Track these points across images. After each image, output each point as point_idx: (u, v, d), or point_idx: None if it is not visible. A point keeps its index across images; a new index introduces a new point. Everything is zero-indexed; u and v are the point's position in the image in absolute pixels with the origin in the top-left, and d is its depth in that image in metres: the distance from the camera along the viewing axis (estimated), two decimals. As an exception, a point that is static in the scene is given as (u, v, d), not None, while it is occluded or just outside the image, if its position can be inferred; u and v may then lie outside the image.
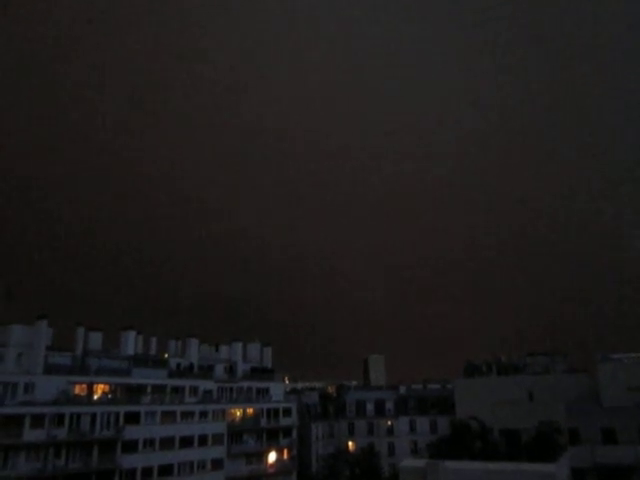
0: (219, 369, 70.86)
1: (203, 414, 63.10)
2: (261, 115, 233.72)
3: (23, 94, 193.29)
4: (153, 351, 68.06)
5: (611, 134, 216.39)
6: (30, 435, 47.21)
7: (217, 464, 62.44)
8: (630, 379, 47.54)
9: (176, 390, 62.24)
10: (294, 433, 72.51)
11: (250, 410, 69.32)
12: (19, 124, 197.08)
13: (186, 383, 63.70)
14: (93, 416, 52.30)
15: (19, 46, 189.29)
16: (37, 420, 48.03)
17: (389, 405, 78.72)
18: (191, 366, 67.48)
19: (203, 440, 61.65)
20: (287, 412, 72.67)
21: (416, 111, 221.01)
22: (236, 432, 66.37)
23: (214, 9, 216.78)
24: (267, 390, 73.15)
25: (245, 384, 71.03)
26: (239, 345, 74.85)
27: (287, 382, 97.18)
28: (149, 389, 59.49)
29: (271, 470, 68.34)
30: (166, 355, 69.62)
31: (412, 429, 75.86)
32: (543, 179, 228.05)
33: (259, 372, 75.70)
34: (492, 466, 35.91)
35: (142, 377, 59.84)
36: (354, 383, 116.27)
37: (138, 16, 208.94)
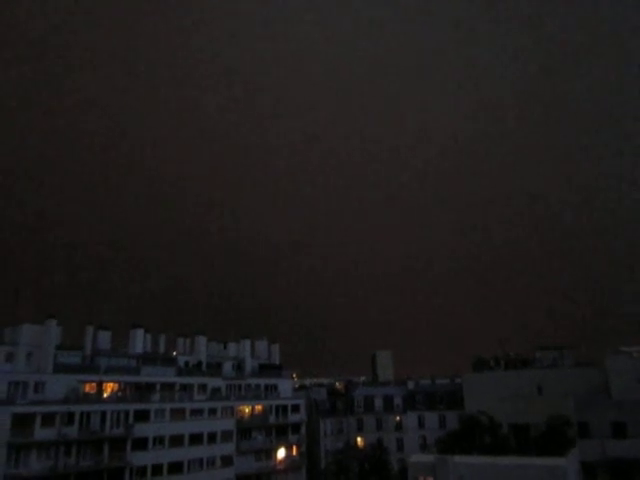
0: (227, 366, 71.07)
1: (212, 411, 63.35)
2: (264, 115, 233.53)
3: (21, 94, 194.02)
4: (162, 349, 68.29)
5: (614, 133, 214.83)
6: (41, 434, 47.56)
7: (226, 461, 62.73)
8: (640, 372, 47.18)
9: (185, 388, 62.48)
10: (303, 429, 72.66)
11: (259, 407, 69.50)
12: (18, 125, 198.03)
13: (195, 381, 63.93)
14: (103, 414, 52.64)
15: (18, 46, 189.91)
16: (48, 419, 48.36)
17: (397, 400, 78.64)
18: (199, 364, 67.67)
19: (212, 437, 61.93)
20: (296, 408, 72.83)
21: (419, 110, 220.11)
22: (245, 429, 66.60)
23: (214, 9, 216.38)
24: (275, 387, 73.30)
25: (253, 381, 71.22)
26: (247, 342, 74.95)
27: (295, 379, 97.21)
28: (158, 387, 59.74)
29: (280, 466, 68.54)
30: (175, 353, 69.87)
31: (421, 424, 75.71)
32: (545, 178, 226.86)
33: (267, 369, 75.81)
34: (501, 460, 35.90)
35: (151, 375, 60.11)
36: (362, 379, 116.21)
37: (138, 15, 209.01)
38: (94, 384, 54.84)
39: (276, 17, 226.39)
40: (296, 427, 72.10)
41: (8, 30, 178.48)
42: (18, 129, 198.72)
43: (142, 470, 54.08)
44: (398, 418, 77.32)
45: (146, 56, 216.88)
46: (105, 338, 60.87)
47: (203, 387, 64.36)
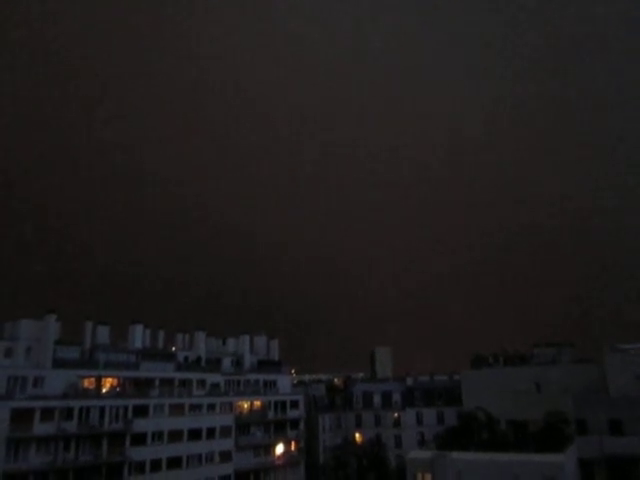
0: (226, 362, 71.12)
1: (211, 407, 63.41)
2: (264, 115, 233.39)
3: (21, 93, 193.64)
4: (161, 345, 68.27)
5: (619, 134, 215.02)
6: (40, 428, 47.56)
7: (225, 456, 62.82)
8: (638, 369, 47.28)
9: (184, 383, 62.54)
10: (301, 425, 72.82)
11: (257, 402, 69.59)
12: (18, 124, 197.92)
13: (194, 376, 63.97)
14: (102, 409, 52.65)
15: (17, 48, 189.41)
16: (47, 413, 48.33)
17: (396, 397, 78.76)
18: (199, 359, 67.75)
19: (211, 432, 62.00)
20: (294, 404, 72.94)
21: (422, 110, 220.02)
22: (244, 424, 66.68)
23: (214, 9, 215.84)
24: (274, 383, 73.39)
25: (252, 377, 71.28)
26: (246, 338, 75.00)
27: (294, 374, 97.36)
28: (157, 382, 59.81)
29: (279, 462, 68.71)
30: (174, 348, 69.90)
31: (419, 421, 75.86)
32: (545, 178, 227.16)
33: (266, 365, 75.90)
34: (499, 457, 36.04)
35: (150, 370, 60.16)
36: (361, 375, 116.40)
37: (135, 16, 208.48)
38: (93, 379, 54.85)
39: (276, 17, 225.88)
40: (295, 423, 72.23)
41: (8, 30, 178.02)
42: (18, 129, 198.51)
43: (141, 465, 54.16)
44: (396, 414, 77.43)
45: (147, 56, 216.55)
46: (104, 333, 60.87)
47: (202, 383, 64.43)
